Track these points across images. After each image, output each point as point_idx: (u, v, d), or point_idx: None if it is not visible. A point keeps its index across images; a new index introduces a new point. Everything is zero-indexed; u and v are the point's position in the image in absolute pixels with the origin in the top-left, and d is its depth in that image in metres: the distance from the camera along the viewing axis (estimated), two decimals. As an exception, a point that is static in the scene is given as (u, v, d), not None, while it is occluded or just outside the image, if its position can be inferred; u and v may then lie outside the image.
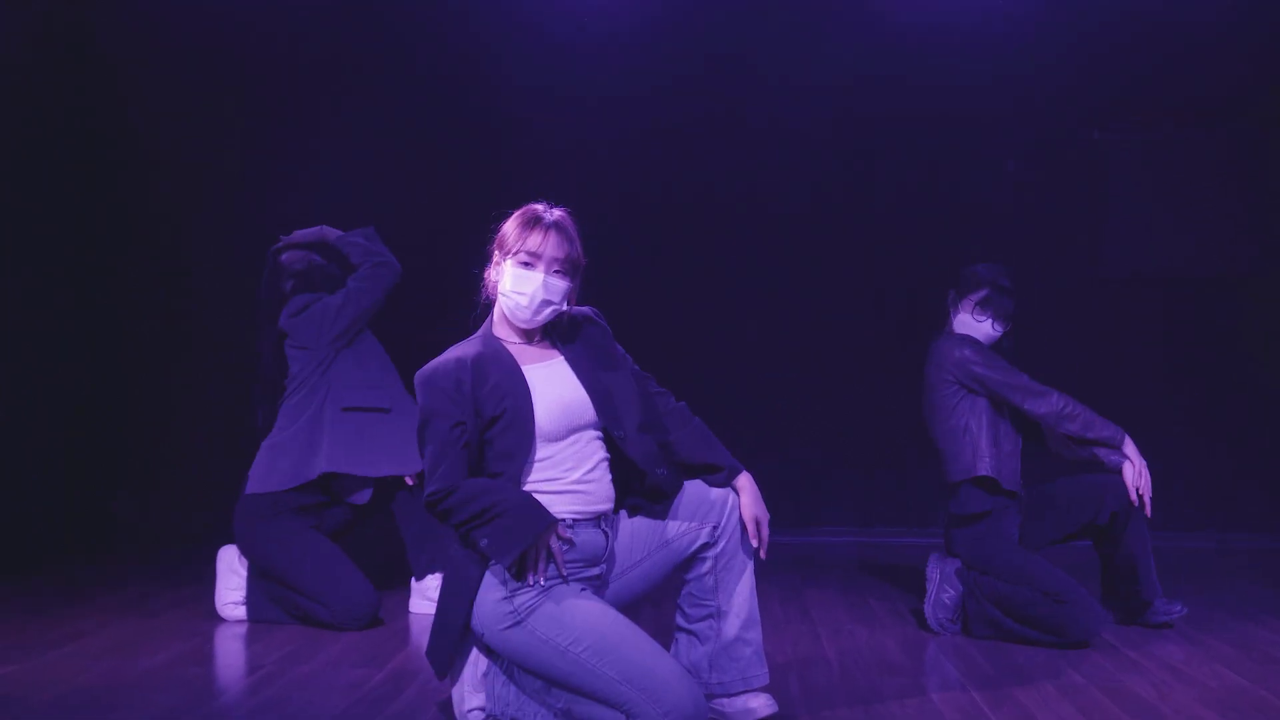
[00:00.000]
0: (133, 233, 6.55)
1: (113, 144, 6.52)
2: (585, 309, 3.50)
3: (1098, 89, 6.29)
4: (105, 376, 6.50)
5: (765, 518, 3.36)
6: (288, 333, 4.72)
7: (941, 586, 4.44)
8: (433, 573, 4.71)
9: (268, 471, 4.60)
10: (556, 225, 3.33)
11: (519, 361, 3.32)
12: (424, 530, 4.70)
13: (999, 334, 4.58)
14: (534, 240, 3.30)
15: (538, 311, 3.31)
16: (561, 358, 3.38)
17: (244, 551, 4.58)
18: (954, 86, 6.27)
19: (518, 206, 3.46)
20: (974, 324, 4.56)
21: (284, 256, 4.84)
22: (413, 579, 4.76)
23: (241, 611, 4.56)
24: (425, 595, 4.68)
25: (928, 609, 4.45)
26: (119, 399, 6.55)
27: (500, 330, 3.39)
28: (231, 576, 4.60)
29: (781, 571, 5.47)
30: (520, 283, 3.30)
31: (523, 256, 3.30)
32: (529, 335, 3.39)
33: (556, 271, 3.31)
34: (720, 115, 6.39)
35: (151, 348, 6.55)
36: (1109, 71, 6.23)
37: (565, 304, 3.36)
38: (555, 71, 6.35)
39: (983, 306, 4.55)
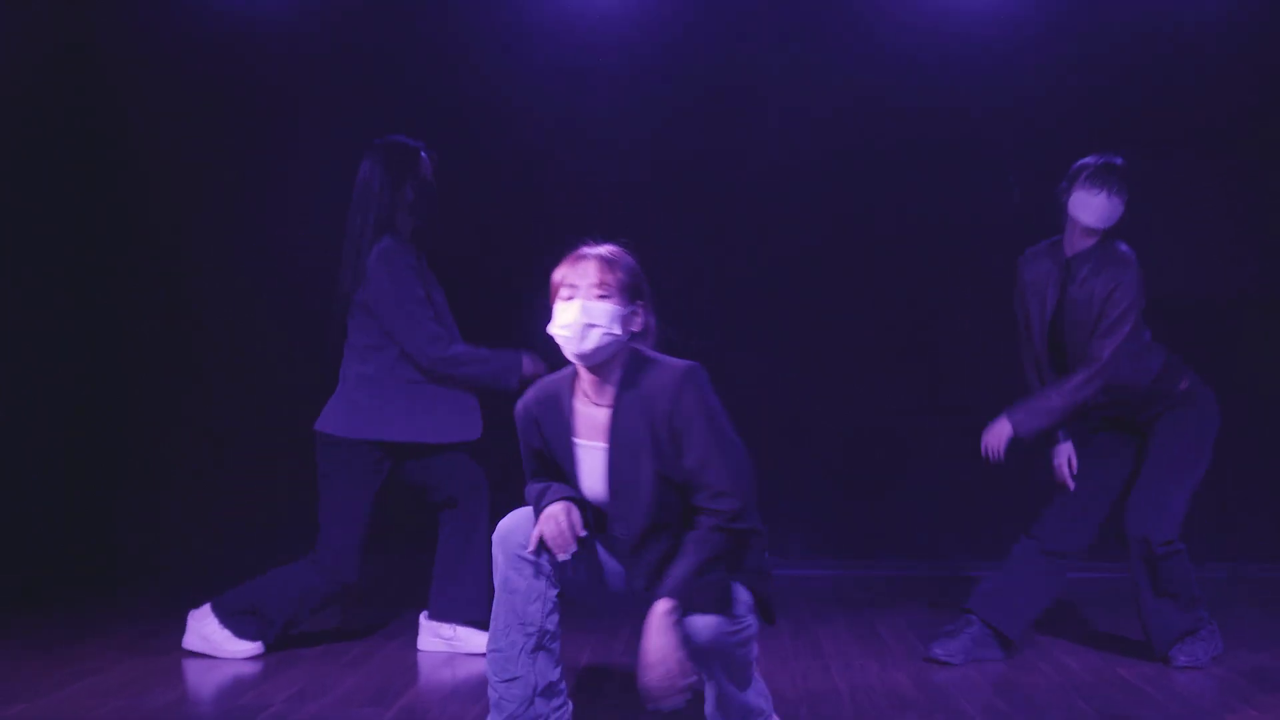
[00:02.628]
0: (133, 233, 6.48)
1: (113, 144, 6.46)
2: (681, 365, 3.27)
3: (1099, 114, 6.20)
4: (105, 377, 6.46)
5: (657, 662, 3.04)
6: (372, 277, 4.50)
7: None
8: (450, 621, 4.61)
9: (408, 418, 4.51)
10: (597, 255, 3.26)
11: (574, 431, 3.32)
12: (457, 565, 4.61)
13: (1119, 209, 4.41)
14: (570, 272, 3.24)
15: (583, 337, 3.18)
16: (604, 444, 3.29)
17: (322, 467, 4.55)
18: (957, 111, 6.22)
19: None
20: (1088, 200, 4.40)
21: (425, 158, 4.64)
22: (424, 614, 4.67)
23: (245, 647, 4.49)
24: (437, 634, 4.62)
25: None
26: (119, 402, 6.50)
27: (581, 377, 3.33)
28: (216, 634, 4.49)
29: (791, 604, 5.44)
30: (562, 314, 3.21)
31: (564, 292, 3.24)
32: (598, 383, 3.28)
33: (600, 296, 3.20)
34: (723, 141, 6.32)
35: (152, 348, 6.48)
36: (1110, 97, 6.17)
37: (623, 330, 3.21)
38: (557, 85, 6.30)
39: (1091, 179, 4.40)
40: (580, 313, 3.18)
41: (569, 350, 3.22)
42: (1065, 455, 4.64)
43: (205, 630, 4.48)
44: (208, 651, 4.48)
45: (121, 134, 6.45)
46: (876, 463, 6.30)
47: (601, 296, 3.20)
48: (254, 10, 6.25)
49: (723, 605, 3.14)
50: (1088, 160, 4.44)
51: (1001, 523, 6.14)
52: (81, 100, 6.36)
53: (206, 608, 4.51)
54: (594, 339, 3.19)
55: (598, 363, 3.25)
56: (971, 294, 6.18)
